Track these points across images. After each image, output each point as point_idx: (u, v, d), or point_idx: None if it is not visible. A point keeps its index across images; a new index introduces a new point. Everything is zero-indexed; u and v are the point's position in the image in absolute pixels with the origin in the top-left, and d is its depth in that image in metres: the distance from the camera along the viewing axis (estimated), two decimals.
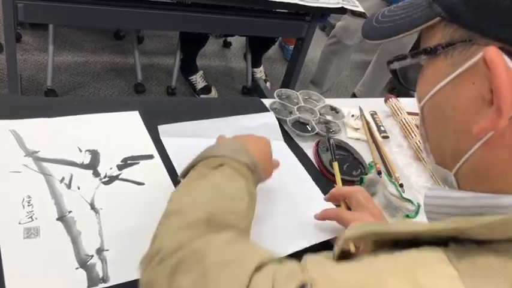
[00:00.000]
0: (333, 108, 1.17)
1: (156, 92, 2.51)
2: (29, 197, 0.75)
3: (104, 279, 0.66)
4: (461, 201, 0.39)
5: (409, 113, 1.22)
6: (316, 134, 1.06)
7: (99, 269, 0.67)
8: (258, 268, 0.40)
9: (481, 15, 0.35)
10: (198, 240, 0.50)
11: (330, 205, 0.86)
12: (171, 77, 2.51)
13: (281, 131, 1.05)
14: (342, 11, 1.87)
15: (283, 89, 1.17)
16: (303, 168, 0.98)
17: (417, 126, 1.16)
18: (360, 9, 1.87)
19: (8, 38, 1.66)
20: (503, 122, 0.34)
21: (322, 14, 2.03)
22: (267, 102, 1.13)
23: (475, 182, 0.39)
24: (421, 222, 0.39)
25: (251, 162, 0.65)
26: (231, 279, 0.40)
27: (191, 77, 2.56)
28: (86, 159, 0.85)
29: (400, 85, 0.50)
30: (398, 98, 1.28)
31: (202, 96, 2.51)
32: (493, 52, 0.33)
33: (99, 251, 0.70)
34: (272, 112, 1.08)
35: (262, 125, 1.04)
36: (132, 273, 0.66)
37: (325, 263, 0.41)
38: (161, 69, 2.69)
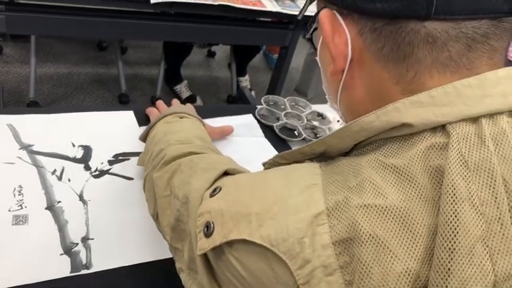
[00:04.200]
0: (319, 114, 1.19)
1: (140, 102, 2.50)
2: (20, 186, 0.79)
3: (87, 266, 0.70)
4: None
5: None
6: (303, 139, 1.07)
7: (83, 256, 0.71)
8: (224, 174, 0.54)
9: None
10: (195, 154, 0.64)
11: None
12: (155, 87, 2.50)
13: (271, 135, 1.08)
14: None
15: (270, 96, 1.19)
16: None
17: None
18: None
19: None
20: (338, 65, 0.44)
21: (305, 23, 2.05)
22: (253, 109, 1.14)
23: (347, 116, 0.50)
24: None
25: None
26: (204, 179, 0.52)
27: (176, 87, 2.56)
28: (79, 153, 0.89)
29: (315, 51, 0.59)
30: None
31: None
32: (322, 13, 0.44)
33: (84, 240, 0.73)
34: (251, 114, 1.12)
35: (242, 124, 1.09)
36: (114, 262, 0.71)
37: (237, 174, 0.54)
38: (145, 79, 2.68)
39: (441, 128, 0.38)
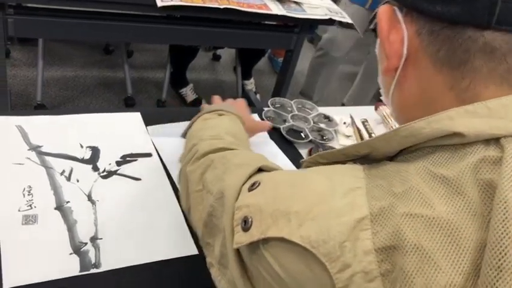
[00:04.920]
0: (326, 117, 1.19)
1: (146, 105, 2.51)
2: (30, 187, 0.80)
3: (96, 265, 0.71)
4: None
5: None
6: (310, 141, 1.08)
7: (91, 255, 0.72)
8: (259, 170, 0.53)
9: None
10: (227, 150, 0.64)
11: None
12: (161, 90, 2.51)
13: (278, 136, 1.09)
14: (330, 22, 1.89)
15: (277, 98, 1.20)
16: (291, 162, 1.02)
17: None
18: (348, 20, 1.90)
19: None
20: (391, 63, 0.45)
21: (310, 26, 2.06)
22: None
23: (399, 116, 0.50)
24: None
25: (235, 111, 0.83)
26: (239, 175, 0.51)
27: (181, 90, 2.57)
28: (87, 154, 0.90)
29: None
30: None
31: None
32: (381, 10, 0.44)
33: (93, 239, 0.74)
34: (256, 114, 1.13)
35: None
36: (123, 261, 0.72)
37: (275, 171, 0.53)
38: (151, 82, 2.70)
39: (495, 141, 0.37)
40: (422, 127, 0.40)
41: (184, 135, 0.83)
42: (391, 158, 0.44)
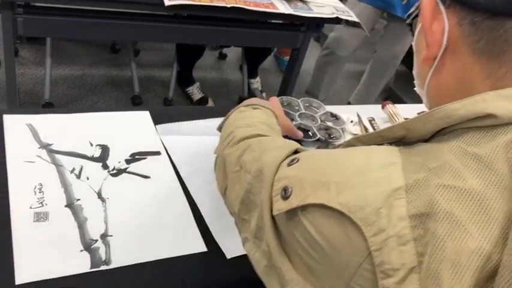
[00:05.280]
0: (333, 115, 1.20)
1: (153, 103, 2.53)
2: (41, 184, 0.81)
3: (106, 262, 0.72)
4: None
5: (406, 119, 1.24)
6: (318, 139, 1.08)
7: (102, 252, 0.73)
8: (294, 152, 0.55)
9: None
10: (262, 136, 0.67)
11: None
12: (167, 89, 2.52)
13: (285, 136, 1.08)
14: (336, 20, 1.90)
15: (284, 97, 1.20)
16: None
17: None
18: (354, 18, 1.90)
19: (7, 52, 1.67)
20: (431, 51, 0.47)
21: (317, 25, 2.06)
22: None
23: (435, 103, 0.50)
24: None
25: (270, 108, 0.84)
26: (276, 155, 0.54)
27: (188, 89, 2.58)
28: (96, 152, 0.92)
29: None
30: (395, 105, 1.30)
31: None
32: (425, 0, 0.47)
33: (103, 236, 0.76)
34: None
35: None
36: (133, 258, 0.73)
37: (312, 149, 0.56)
38: (158, 81, 2.71)
39: None
40: (457, 108, 0.42)
41: (220, 128, 0.85)
42: (425, 141, 0.47)
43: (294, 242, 0.46)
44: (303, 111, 1.17)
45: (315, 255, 0.43)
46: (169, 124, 1.03)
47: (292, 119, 1.14)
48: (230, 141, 0.69)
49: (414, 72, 0.57)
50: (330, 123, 1.17)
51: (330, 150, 0.53)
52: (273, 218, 0.50)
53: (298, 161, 0.50)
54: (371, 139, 0.52)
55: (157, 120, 1.03)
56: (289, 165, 0.51)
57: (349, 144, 0.55)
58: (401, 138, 0.49)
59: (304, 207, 0.44)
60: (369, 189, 0.40)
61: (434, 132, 0.46)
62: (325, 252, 0.42)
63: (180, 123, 1.04)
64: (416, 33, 0.53)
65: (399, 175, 0.40)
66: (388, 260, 0.37)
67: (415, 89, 0.59)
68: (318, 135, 1.09)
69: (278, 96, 1.25)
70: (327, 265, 0.42)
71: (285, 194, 0.47)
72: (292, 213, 0.46)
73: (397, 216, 0.38)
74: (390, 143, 0.50)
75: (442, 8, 0.46)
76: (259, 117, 0.78)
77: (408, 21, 0.57)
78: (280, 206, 0.47)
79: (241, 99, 2.75)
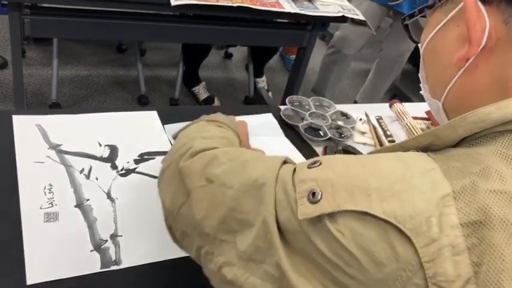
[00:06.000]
0: (343, 114, 1.19)
1: (159, 103, 2.53)
2: (50, 185, 0.81)
3: (116, 262, 0.72)
4: None
5: (414, 118, 1.24)
6: (329, 139, 1.08)
7: (112, 252, 0.73)
8: (284, 162, 0.51)
9: None
10: (228, 147, 0.63)
11: None
12: (174, 88, 2.53)
13: (295, 135, 1.09)
14: (342, 19, 1.89)
15: (294, 96, 1.20)
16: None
17: (422, 130, 1.18)
18: (361, 17, 1.90)
19: (15, 53, 1.68)
20: (473, 50, 0.44)
21: (323, 23, 2.06)
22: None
23: (457, 110, 0.48)
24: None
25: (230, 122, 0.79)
26: (266, 166, 0.50)
27: (194, 88, 2.58)
28: (105, 153, 0.92)
29: (410, 39, 0.61)
30: (403, 103, 1.30)
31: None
32: None
33: (113, 237, 0.76)
34: (271, 114, 1.13)
35: (262, 123, 1.10)
36: (143, 258, 0.74)
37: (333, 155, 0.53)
38: (164, 81, 2.71)
39: None
40: (491, 112, 0.41)
41: (175, 136, 0.79)
42: (453, 147, 0.45)
43: (316, 255, 0.41)
44: (314, 110, 1.17)
45: (347, 269, 0.39)
46: (178, 124, 1.03)
47: (302, 118, 1.14)
48: (186, 152, 0.62)
49: (424, 76, 0.55)
50: (340, 123, 1.16)
51: (358, 156, 0.49)
52: (280, 233, 0.44)
53: (320, 164, 0.45)
54: (394, 150, 0.48)
55: (165, 120, 1.03)
56: (310, 167, 0.45)
57: None
58: (426, 147, 0.46)
59: (334, 214, 0.40)
60: (416, 197, 0.38)
61: (461, 138, 0.44)
62: (362, 266, 0.38)
63: (188, 123, 1.04)
64: (434, 31, 0.51)
65: (443, 181, 0.38)
66: (442, 271, 0.35)
67: (421, 92, 0.57)
68: (329, 135, 1.09)
69: (285, 95, 1.25)
70: (363, 280, 0.38)
71: (314, 198, 0.41)
72: (316, 220, 0.41)
73: (449, 225, 0.36)
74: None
75: (481, 6, 0.44)
76: (220, 134, 0.72)
77: (409, 20, 0.55)
78: (308, 210, 0.41)
79: (247, 99, 2.75)
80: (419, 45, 0.56)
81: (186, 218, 0.57)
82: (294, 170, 0.47)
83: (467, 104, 0.46)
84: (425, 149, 0.46)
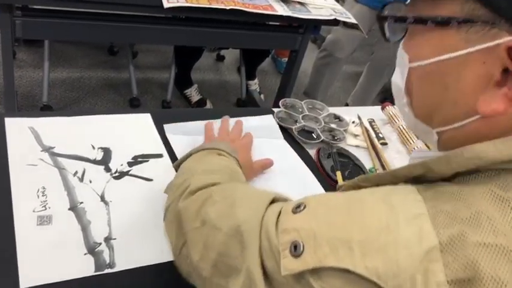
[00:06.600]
0: (336, 117, 1.20)
1: (151, 106, 2.53)
2: (44, 188, 0.81)
3: (110, 265, 0.71)
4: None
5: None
6: (322, 141, 1.09)
7: (106, 255, 0.73)
8: (272, 202, 0.50)
9: None
10: (226, 183, 0.62)
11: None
12: (166, 91, 2.52)
13: (288, 137, 1.09)
14: (334, 22, 1.90)
15: (287, 99, 1.20)
16: (303, 163, 1.02)
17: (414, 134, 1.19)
18: (353, 20, 1.91)
19: (6, 54, 1.67)
20: None
21: (315, 26, 2.07)
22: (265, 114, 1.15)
23: (457, 144, 0.42)
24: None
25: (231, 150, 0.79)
26: (253, 208, 0.49)
27: (186, 91, 2.58)
28: (99, 155, 0.91)
29: (383, 37, 0.53)
30: (395, 106, 1.31)
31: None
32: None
33: (107, 240, 0.75)
34: (271, 115, 1.12)
35: (261, 125, 1.09)
36: (137, 261, 0.73)
37: (320, 194, 0.51)
38: (156, 83, 2.71)
39: None
40: (488, 150, 0.38)
41: (177, 166, 0.80)
42: (446, 179, 0.42)
43: None
44: (307, 113, 1.17)
45: None
46: (177, 124, 1.03)
47: (296, 121, 1.14)
48: (185, 190, 0.62)
49: (415, 99, 0.48)
50: (333, 125, 1.17)
51: (343, 196, 0.45)
52: (266, 282, 0.43)
53: (305, 207, 0.43)
54: (382, 179, 0.46)
55: (158, 122, 1.02)
56: (294, 212, 0.43)
57: (355, 184, 0.49)
58: (417, 177, 0.43)
59: (317, 270, 0.38)
60: (400, 252, 0.35)
61: (456, 172, 0.41)
62: None
63: (187, 123, 1.04)
64: (444, 58, 0.42)
65: (430, 231, 0.35)
66: None
67: (401, 111, 0.52)
68: (322, 137, 1.09)
69: (277, 98, 1.26)
70: None
71: (296, 251, 0.40)
72: (298, 276, 0.39)
73: (435, 282, 0.34)
74: (405, 181, 0.45)
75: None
76: (220, 163, 0.71)
77: (395, 23, 0.48)
78: (291, 266, 0.40)
79: (239, 101, 2.75)
80: (404, 55, 0.49)
81: (186, 259, 0.58)
82: (280, 212, 0.45)
83: (471, 142, 0.41)
84: (417, 179, 0.44)
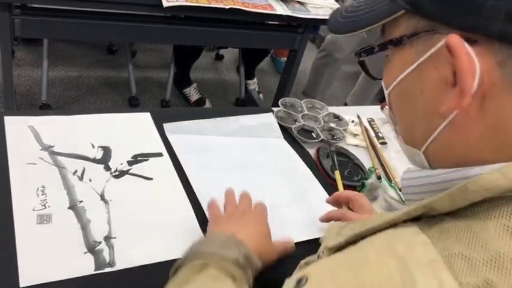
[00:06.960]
0: (336, 116, 1.20)
1: (150, 105, 2.52)
2: (43, 186, 0.81)
3: (110, 264, 0.71)
4: (432, 179, 0.43)
5: None
6: (321, 140, 1.09)
7: (106, 254, 0.73)
8: None
9: (443, 7, 0.39)
10: None
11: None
12: (165, 90, 2.52)
13: (288, 137, 1.09)
14: None
15: (287, 98, 1.21)
16: (303, 162, 1.03)
17: None
18: None
19: (5, 53, 1.66)
20: (466, 100, 0.37)
21: (314, 26, 2.07)
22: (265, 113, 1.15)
23: (443, 158, 0.43)
24: (396, 212, 0.42)
25: (243, 255, 0.63)
26: None
27: (185, 90, 2.58)
28: (98, 154, 0.91)
29: (368, 75, 0.54)
30: None
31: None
32: (455, 39, 0.37)
33: (107, 238, 0.75)
34: (271, 113, 1.12)
35: (261, 123, 1.09)
36: (136, 260, 0.73)
37: (318, 261, 0.47)
38: (155, 82, 2.70)
39: None
40: (496, 179, 0.35)
41: (173, 272, 0.63)
42: (449, 214, 0.39)
43: None
44: (306, 112, 1.18)
45: None
46: (177, 123, 1.03)
47: (295, 120, 1.14)
48: None
49: (401, 126, 0.48)
50: (333, 124, 1.17)
51: (345, 256, 0.42)
52: None
53: (307, 280, 0.39)
54: (378, 228, 0.42)
55: (157, 121, 1.02)
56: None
57: (349, 240, 0.44)
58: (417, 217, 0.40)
59: None
60: None
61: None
62: None
63: (186, 122, 1.04)
64: (405, 74, 0.43)
65: (451, 283, 0.32)
66: None
67: (397, 141, 0.51)
68: (322, 136, 1.10)
69: (276, 97, 1.26)
70: None
71: None
72: None
73: None
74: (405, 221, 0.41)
75: (468, 47, 0.37)
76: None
77: (365, 57, 0.48)
78: None
79: (238, 100, 2.75)
80: (382, 85, 0.49)
81: None
82: None
83: (455, 154, 0.41)
84: (416, 218, 0.41)
